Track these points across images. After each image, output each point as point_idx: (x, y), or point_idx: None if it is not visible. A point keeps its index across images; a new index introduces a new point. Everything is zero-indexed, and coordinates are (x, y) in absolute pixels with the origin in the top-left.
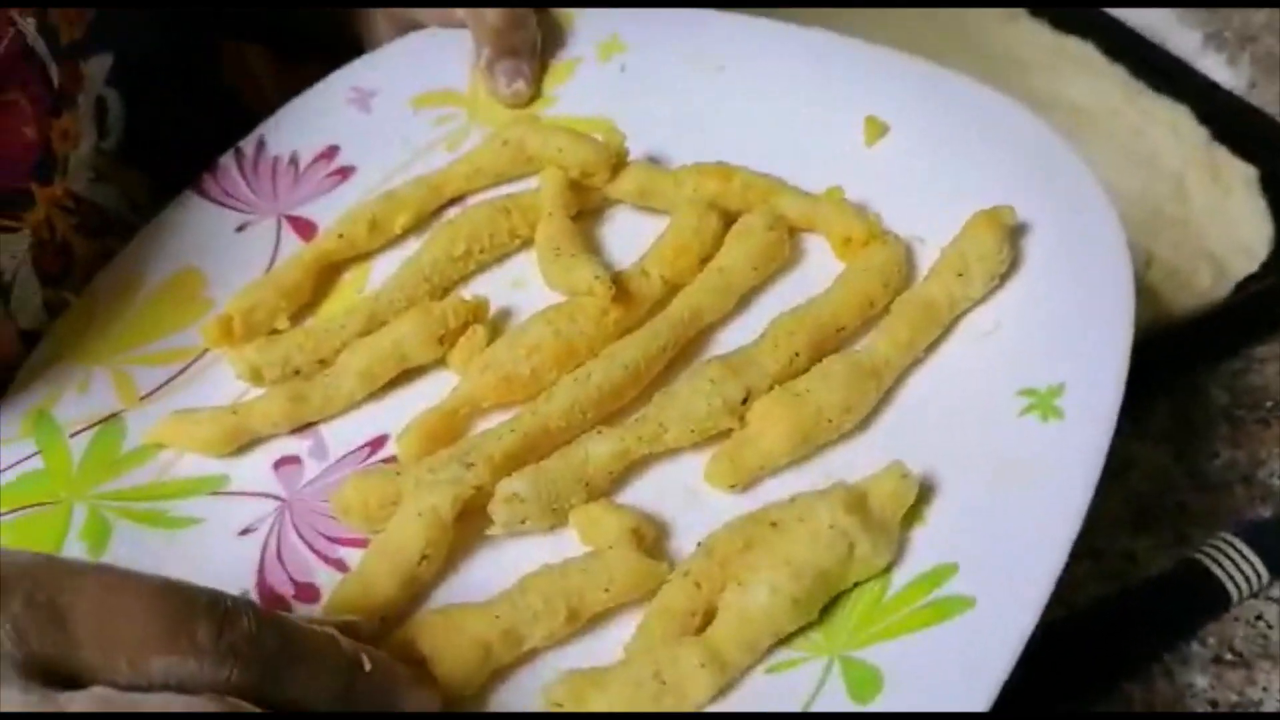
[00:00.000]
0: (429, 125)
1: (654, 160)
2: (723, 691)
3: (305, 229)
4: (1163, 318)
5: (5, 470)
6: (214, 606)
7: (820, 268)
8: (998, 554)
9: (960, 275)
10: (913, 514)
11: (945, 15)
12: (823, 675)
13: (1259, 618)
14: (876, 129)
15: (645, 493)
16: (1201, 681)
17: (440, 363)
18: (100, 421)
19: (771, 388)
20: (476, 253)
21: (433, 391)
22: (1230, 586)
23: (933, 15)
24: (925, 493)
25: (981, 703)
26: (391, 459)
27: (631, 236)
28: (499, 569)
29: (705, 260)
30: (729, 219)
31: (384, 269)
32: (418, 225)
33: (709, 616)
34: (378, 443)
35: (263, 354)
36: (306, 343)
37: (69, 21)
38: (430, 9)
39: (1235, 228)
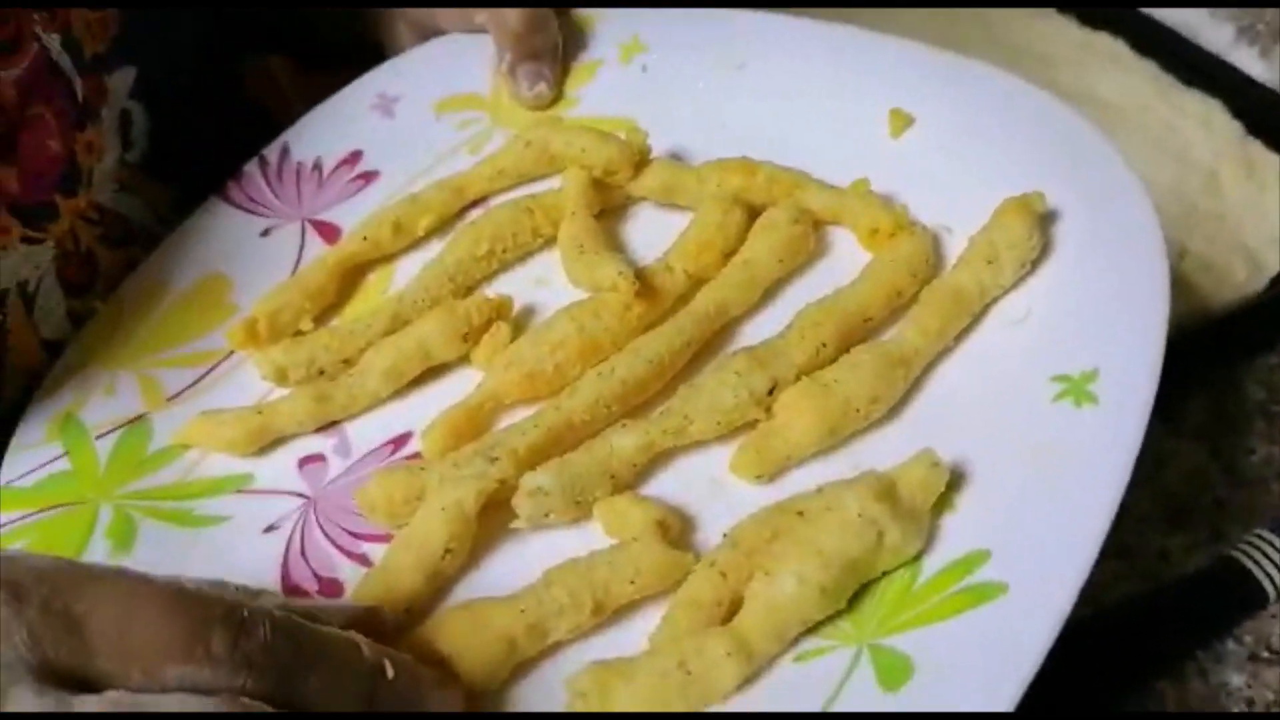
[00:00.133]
0: (452, 129)
1: (677, 157)
2: (749, 681)
3: (329, 233)
4: (1198, 311)
5: (33, 472)
6: (230, 616)
7: (846, 260)
8: (1031, 540)
9: (990, 263)
10: (943, 501)
11: (969, 12)
12: (851, 664)
13: None
14: (901, 121)
15: (670, 485)
16: (1237, 680)
17: (464, 361)
18: (126, 424)
19: (798, 379)
20: (500, 252)
21: (456, 389)
22: (1268, 584)
23: (956, 12)
24: (956, 480)
25: (1015, 689)
26: (415, 456)
27: (655, 234)
28: (523, 562)
29: (729, 255)
30: (753, 213)
31: (408, 270)
32: (441, 227)
33: (735, 607)
34: (401, 440)
35: (288, 355)
36: (331, 343)
37: (93, 35)
38: (451, 13)
39: (1270, 222)
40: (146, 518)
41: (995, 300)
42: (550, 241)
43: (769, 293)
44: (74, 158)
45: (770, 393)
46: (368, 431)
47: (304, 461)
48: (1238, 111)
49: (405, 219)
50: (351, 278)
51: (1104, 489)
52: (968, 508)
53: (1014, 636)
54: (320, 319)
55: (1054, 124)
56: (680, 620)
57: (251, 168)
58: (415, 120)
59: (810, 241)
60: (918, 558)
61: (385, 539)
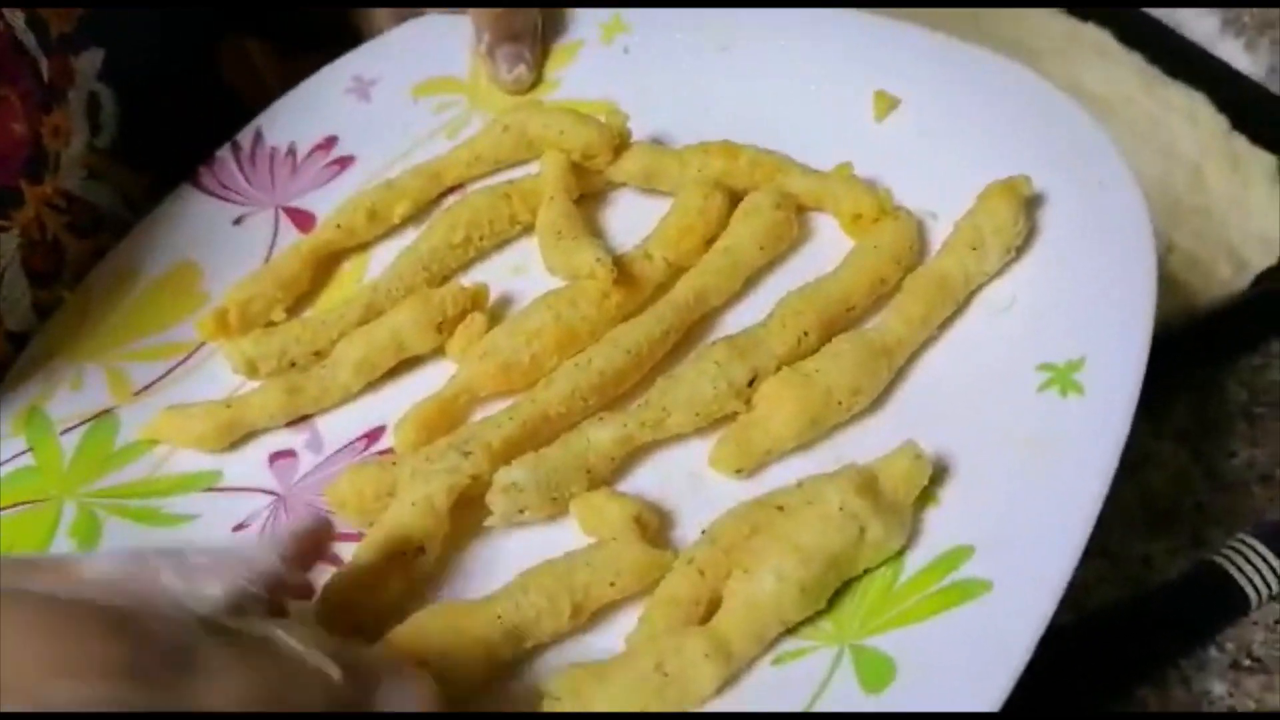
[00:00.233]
0: (429, 113)
1: (659, 142)
2: (728, 684)
3: (304, 220)
4: (1183, 309)
5: None
6: (121, 626)
7: (830, 247)
8: (1016, 535)
9: (975, 249)
10: (926, 495)
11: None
12: (832, 665)
13: (1279, 622)
14: (886, 103)
15: (648, 480)
16: (1219, 688)
17: (439, 352)
18: (92, 418)
19: (779, 369)
20: (476, 240)
21: (431, 382)
22: (1249, 590)
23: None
24: (939, 473)
25: (1000, 689)
26: (389, 451)
27: (635, 220)
28: (499, 560)
29: (710, 241)
30: (735, 198)
31: (383, 259)
32: (417, 214)
33: (714, 606)
34: (375, 434)
35: (258, 346)
36: (303, 334)
37: (59, 15)
38: None
39: (1254, 218)
40: (112, 516)
41: (980, 287)
42: (528, 228)
43: (750, 280)
44: (40, 141)
45: (750, 383)
46: (340, 426)
47: (274, 457)
48: (1222, 105)
49: (380, 206)
50: (326, 266)
51: (1090, 481)
52: (951, 501)
53: (998, 635)
54: (294, 309)
55: (1041, 107)
56: (658, 620)
57: (224, 153)
58: (392, 104)
59: (793, 227)
60: (900, 554)
61: (358, 538)
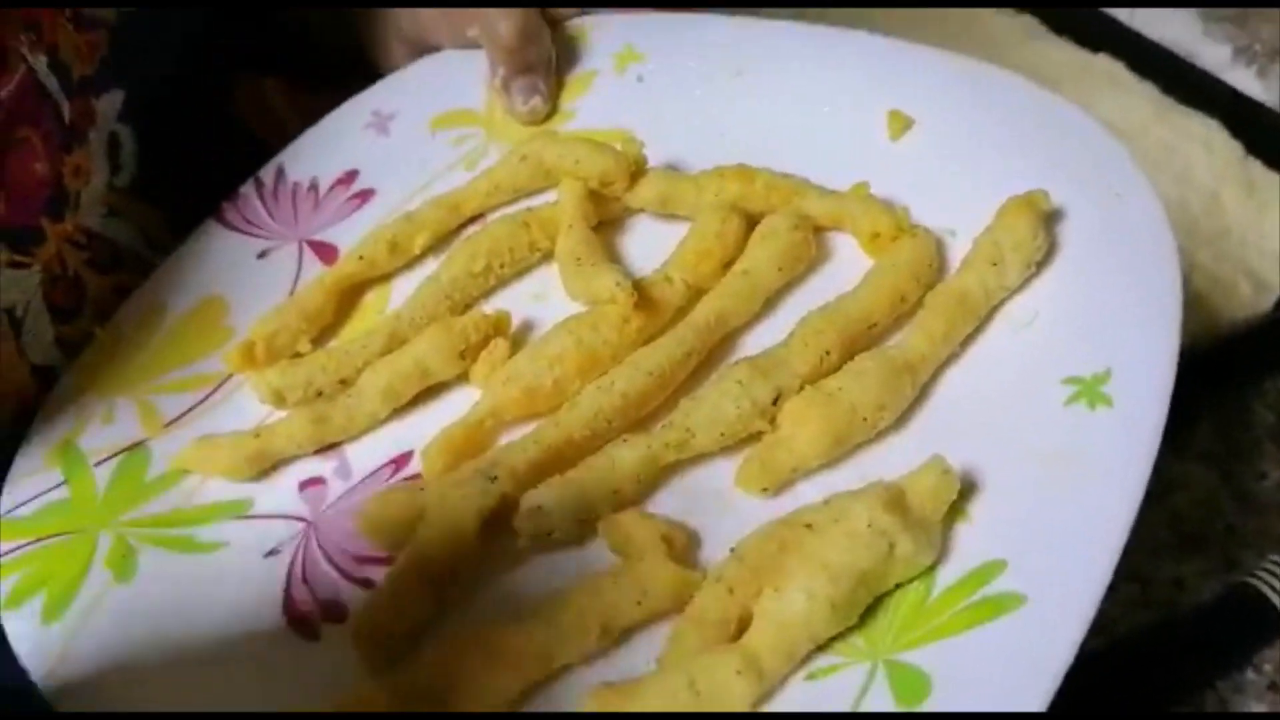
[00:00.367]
0: (447, 146)
1: (675, 168)
2: (761, 701)
3: (327, 253)
4: (1205, 331)
5: (31, 501)
6: None
7: (848, 266)
8: (1049, 547)
9: (995, 264)
10: (955, 511)
11: (964, 30)
12: (866, 680)
13: None
14: (900, 123)
15: (674, 500)
16: (1258, 709)
17: (463, 378)
18: (124, 450)
19: (802, 388)
20: (497, 268)
21: (456, 408)
22: None
23: (953, 33)
24: (968, 489)
25: (1040, 700)
26: (416, 477)
27: (653, 246)
28: (528, 581)
29: (728, 264)
30: (752, 221)
31: (405, 289)
32: (437, 245)
33: (743, 624)
34: (402, 460)
35: (285, 377)
36: (328, 364)
37: (80, 57)
38: (444, 29)
39: (1273, 241)
40: (146, 545)
41: (1001, 303)
42: (548, 256)
43: (770, 302)
44: (61, 181)
45: (774, 403)
46: (368, 453)
47: (304, 485)
48: (1236, 131)
49: (401, 238)
50: (349, 298)
51: (1123, 492)
52: (981, 516)
53: (1036, 648)
54: (319, 340)
55: (1054, 122)
56: (688, 639)
57: (247, 189)
58: (410, 137)
59: (811, 248)
60: (931, 569)
61: (387, 561)
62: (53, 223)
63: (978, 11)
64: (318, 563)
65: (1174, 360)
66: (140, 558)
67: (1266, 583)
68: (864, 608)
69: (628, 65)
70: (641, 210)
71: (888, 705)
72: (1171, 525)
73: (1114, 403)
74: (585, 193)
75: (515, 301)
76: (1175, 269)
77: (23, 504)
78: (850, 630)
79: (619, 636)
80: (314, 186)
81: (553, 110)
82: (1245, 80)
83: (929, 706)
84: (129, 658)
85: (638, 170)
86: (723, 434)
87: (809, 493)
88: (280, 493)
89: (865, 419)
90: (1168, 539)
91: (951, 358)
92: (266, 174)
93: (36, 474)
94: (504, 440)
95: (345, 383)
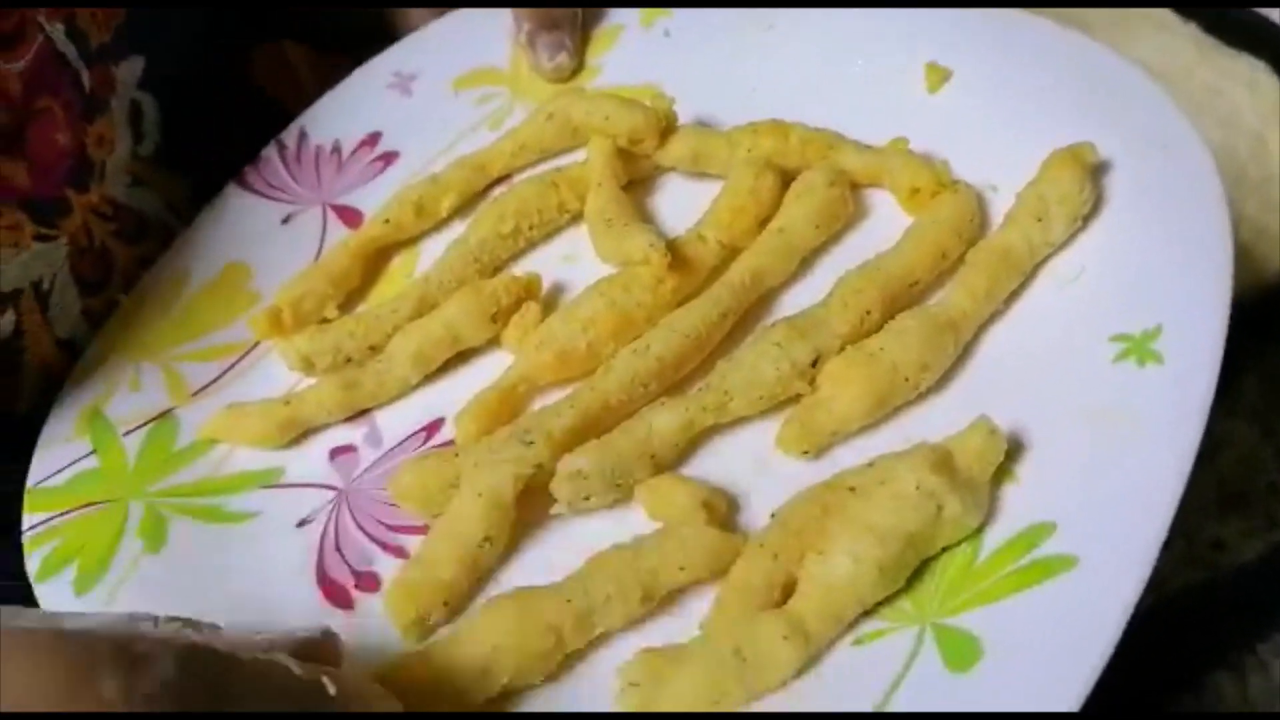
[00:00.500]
0: (471, 105)
1: (705, 125)
2: (808, 665)
3: (351, 217)
4: (1254, 282)
5: (62, 471)
6: (119, 655)
7: (886, 224)
8: (1100, 508)
9: (1040, 220)
10: (1003, 472)
11: None
12: (914, 645)
13: None
14: (939, 75)
15: (712, 464)
16: None
17: (494, 343)
18: (153, 419)
19: (842, 348)
20: (526, 229)
21: (487, 373)
22: None
23: None
24: (1015, 449)
25: (1095, 664)
26: (448, 443)
27: (685, 205)
28: (564, 549)
29: (764, 222)
30: (787, 178)
31: (433, 252)
32: (464, 206)
33: (788, 590)
34: (433, 427)
35: (313, 343)
36: (357, 329)
37: (98, 25)
38: None
39: None
40: (177, 515)
41: (1046, 259)
42: (577, 217)
43: (807, 261)
44: (84, 151)
45: (813, 364)
46: (399, 420)
47: (335, 453)
48: None
49: (427, 200)
50: (375, 262)
51: (1176, 450)
52: (1029, 477)
53: (1089, 611)
54: (346, 305)
55: (1097, 72)
56: (732, 605)
57: (269, 153)
58: (434, 98)
59: (848, 205)
60: (978, 532)
61: (421, 530)
62: (78, 194)
63: None
64: (350, 531)
65: (1226, 316)
66: (170, 527)
67: None
68: (911, 571)
69: (655, 20)
70: (672, 169)
71: (937, 670)
72: (1214, 484)
73: (1165, 360)
74: (614, 151)
75: (545, 263)
76: (1226, 222)
77: (54, 474)
78: (897, 594)
79: (660, 602)
80: (337, 149)
81: (579, 66)
82: None
83: (980, 671)
84: None
85: (668, 127)
86: (761, 396)
87: (849, 456)
88: (310, 461)
89: (907, 379)
90: (1209, 497)
91: (995, 315)
92: (289, 137)
93: (66, 442)
94: (536, 406)
95: (374, 349)
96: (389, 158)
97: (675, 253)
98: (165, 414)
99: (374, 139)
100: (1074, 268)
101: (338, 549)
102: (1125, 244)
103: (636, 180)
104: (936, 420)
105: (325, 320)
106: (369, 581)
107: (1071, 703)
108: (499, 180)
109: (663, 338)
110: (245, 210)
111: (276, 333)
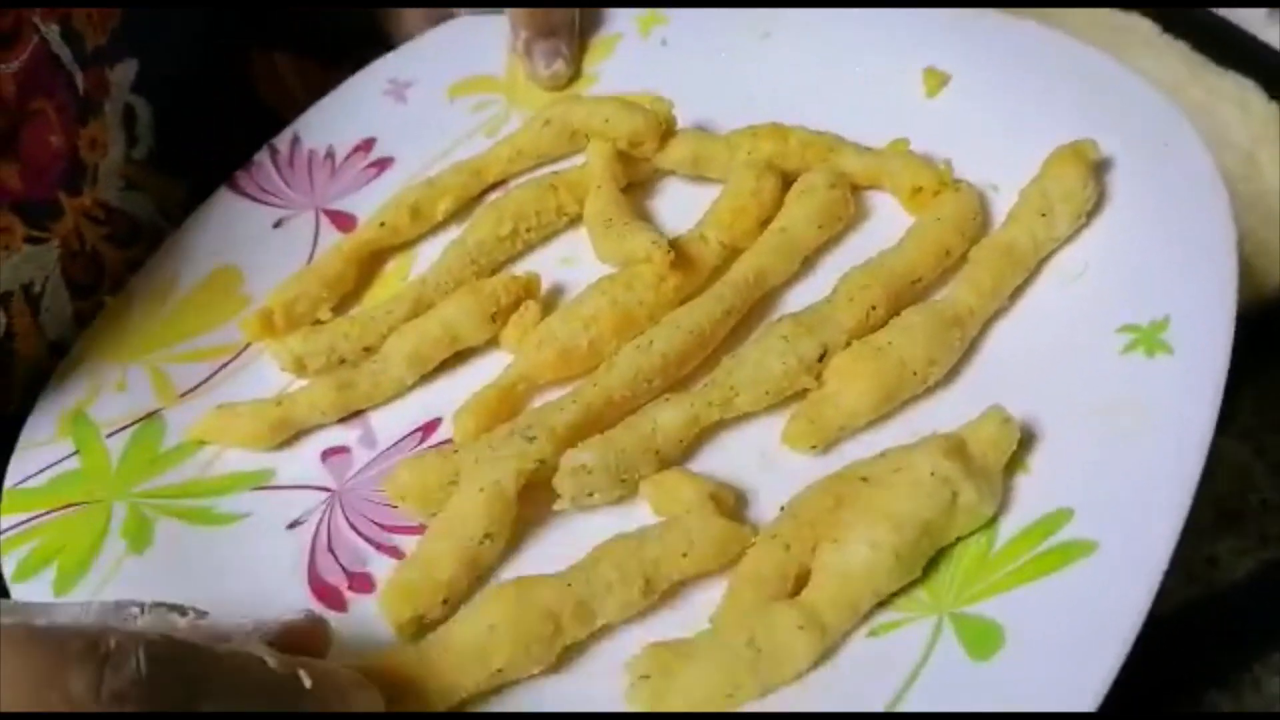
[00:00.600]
0: (467, 113)
1: (703, 130)
2: (823, 657)
3: (345, 222)
4: (1252, 296)
5: (42, 471)
6: (89, 651)
7: (887, 225)
8: (1117, 494)
9: (1044, 215)
10: (1014, 463)
11: None
12: (933, 635)
13: None
14: (937, 80)
15: (717, 460)
16: None
17: (491, 344)
18: (138, 420)
19: (848, 344)
20: (524, 232)
21: (484, 374)
22: None
23: None
24: (1026, 441)
25: (1119, 648)
26: (446, 443)
27: (683, 209)
28: (565, 547)
29: (765, 223)
30: (787, 180)
31: (428, 257)
32: (460, 211)
33: (800, 582)
34: (430, 427)
35: (306, 343)
36: (352, 330)
37: (93, 27)
38: None
39: None
40: (163, 516)
41: (1050, 256)
42: (575, 220)
43: (809, 262)
44: (77, 154)
45: (820, 359)
46: (393, 420)
47: (327, 454)
48: (1274, 92)
49: (423, 203)
50: (369, 266)
51: (1191, 436)
52: (1040, 468)
53: (1112, 594)
54: (339, 308)
55: (1093, 74)
56: (744, 596)
57: (262, 157)
58: (429, 105)
59: (849, 205)
60: (992, 522)
61: (417, 531)
62: (70, 197)
63: None
64: (342, 532)
65: (1233, 305)
66: (157, 528)
67: None
68: (926, 560)
69: (652, 28)
70: (670, 172)
71: (959, 659)
72: (1207, 501)
73: (1174, 349)
74: (614, 153)
75: (543, 266)
76: (1227, 213)
77: (33, 475)
78: (912, 585)
79: (666, 595)
80: (330, 154)
81: (575, 75)
82: None
83: (1003, 658)
84: None
85: (668, 130)
86: (767, 392)
87: (856, 451)
88: (302, 463)
89: (915, 373)
90: (1203, 515)
91: (1000, 312)
92: (281, 141)
93: (47, 444)
94: (536, 405)
95: (369, 350)
96: (383, 164)
97: (677, 251)
98: (152, 415)
99: (368, 145)
100: (1078, 264)
101: (330, 550)
102: (1128, 239)
103: (635, 184)
104: (944, 415)
105: (318, 322)
106: (362, 583)
107: (1099, 686)
108: (495, 185)
109: (666, 334)
110: (236, 214)
111: (268, 335)
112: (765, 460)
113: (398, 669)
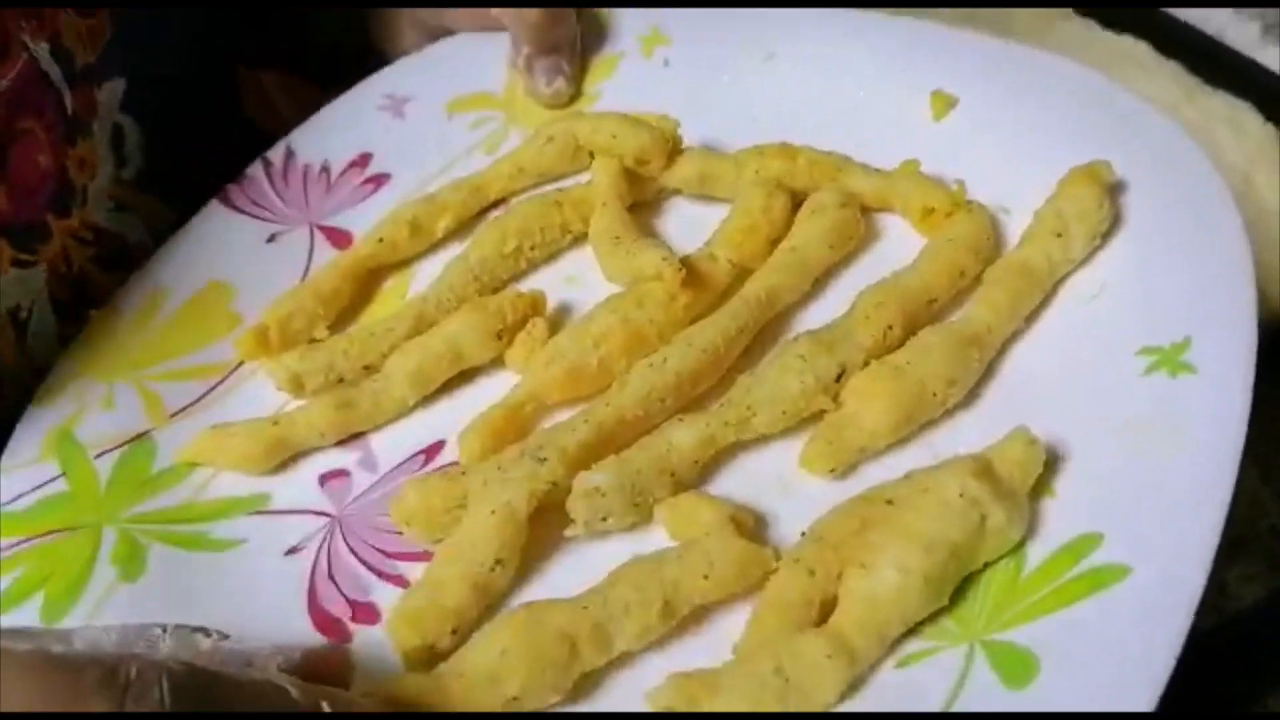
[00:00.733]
0: (465, 130)
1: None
2: (852, 688)
3: (340, 239)
4: (1262, 317)
5: (27, 494)
6: (109, 679)
7: (898, 247)
8: (1147, 516)
9: (1059, 236)
10: (1039, 486)
11: (990, 16)
12: (964, 664)
13: None
14: (944, 103)
15: (734, 483)
16: None
17: (496, 363)
18: (128, 441)
19: (866, 363)
20: (527, 249)
21: (489, 394)
22: None
23: (976, 16)
24: (1049, 463)
25: (1161, 670)
26: (451, 466)
27: (691, 229)
28: (578, 574)
29: (775, 242)
30: (796, 200)
31: (427, 275)
32: (460, 228)
33: (825, 608)
34: (433, 450)
35: (304, 361)
36: (351, 348)
37: (83, 44)
38: (463, 11)
39: None
40: (156, 542)
41: (1066, 277)
42: (580, 239)
43: (820, 282)
44: (65, 174)
45: (838, 378)
46: (395, 443)
47: (325, 478)
48: (1268, 112)
49: (423, 219)
50: (366, 283)
51: (1222, 457)
52: (1066, 491)
53: (1148, 618)
54: (336, 326)
55: (1097, 97)
56: (769, 623)
57: (254, 170)
58: (427, 121)
59: (859, 226)
60: (1019, 547)
61: (423, 558)
62: (58, 218)
63: None
64: (344, 559)
65: (1254, 324)
66: (149, 555)
67: None
68: (954, 585)
69: (654, 48)
70: (676, 191)
71: (993, 687)
72: None
73: (1198, 369)
74: (621, 171)
75: (547, 284)
76: (1242, 233)
77: (17, 498)
78: (939, 613)
79: (685, 622)
80: (325, 169)
81: (577, 93)
82: (1275, 59)
83: (1038, 686)
84: None
85: (674, 148)
86: (785, 412)
87: (876, 475)
88: (299, 487)
89: (935, 394)
90: None
91: (1017, 333)
92: (275, 155)
93: (32, 466)
94: (544, 427)
95: (369, 368)
96: (380, 180)
97: (687, 269)
98: (141, 436)
99: (364, 160)
100: (1094, 285)
101: (331, 578)
102: (1144, 260)
103: (640, 202)
104: (965, 437)
105: (315, 340)
106: (367, 613)
107: (1145, 709)
108: (496, 203)
109: (680, 353)
110: (228, 228)
111: (263, 353)
112: (782, 484)
113: (414, 698)
